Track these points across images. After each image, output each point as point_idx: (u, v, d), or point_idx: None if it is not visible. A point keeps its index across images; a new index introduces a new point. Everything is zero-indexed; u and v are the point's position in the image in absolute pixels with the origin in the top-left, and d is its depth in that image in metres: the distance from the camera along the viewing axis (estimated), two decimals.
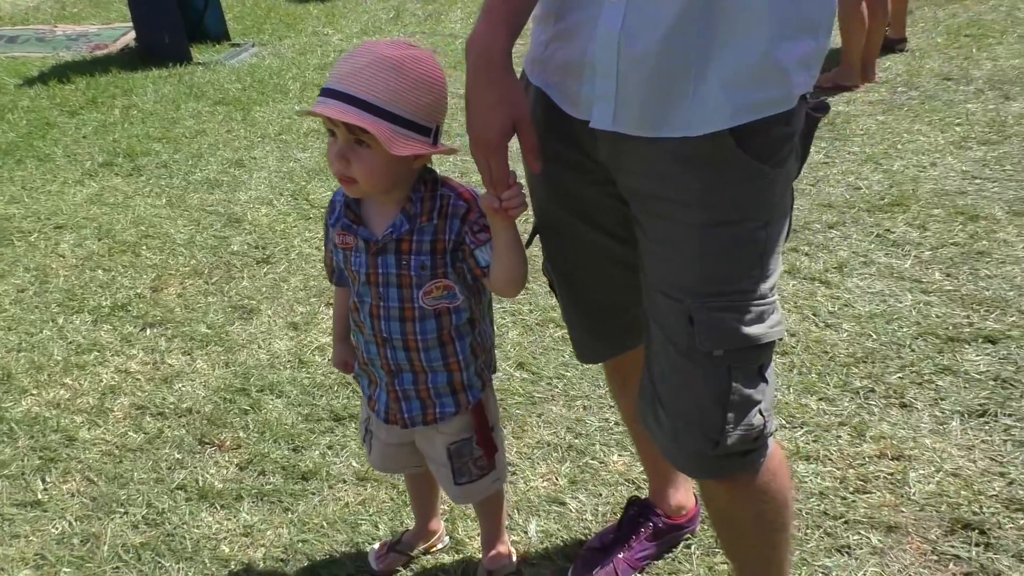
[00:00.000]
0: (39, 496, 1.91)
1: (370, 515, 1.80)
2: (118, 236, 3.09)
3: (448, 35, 5.51)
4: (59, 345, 2.47)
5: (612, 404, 2.01)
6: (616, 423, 1.99)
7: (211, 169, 3.64)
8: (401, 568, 1.66)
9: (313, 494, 1.86)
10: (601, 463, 1.90)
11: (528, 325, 2.42)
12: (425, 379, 1.35)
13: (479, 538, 1.67)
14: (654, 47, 0.98)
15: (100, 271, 2.86)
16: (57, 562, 1.74)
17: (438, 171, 1.30)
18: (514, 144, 1.09)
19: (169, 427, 2.11)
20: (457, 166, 3.38)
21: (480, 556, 1.65)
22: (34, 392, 2.27)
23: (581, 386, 2.15)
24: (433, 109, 1.18)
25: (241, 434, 2.06)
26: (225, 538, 1.77)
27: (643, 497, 1.70)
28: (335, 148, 1.19)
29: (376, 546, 1.69)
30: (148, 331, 2.52)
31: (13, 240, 3.10)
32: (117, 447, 2.05)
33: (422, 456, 1.48)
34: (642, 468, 1.76)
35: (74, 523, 1.83)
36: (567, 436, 1.98)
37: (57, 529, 1.82)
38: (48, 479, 1.96)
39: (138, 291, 2.72)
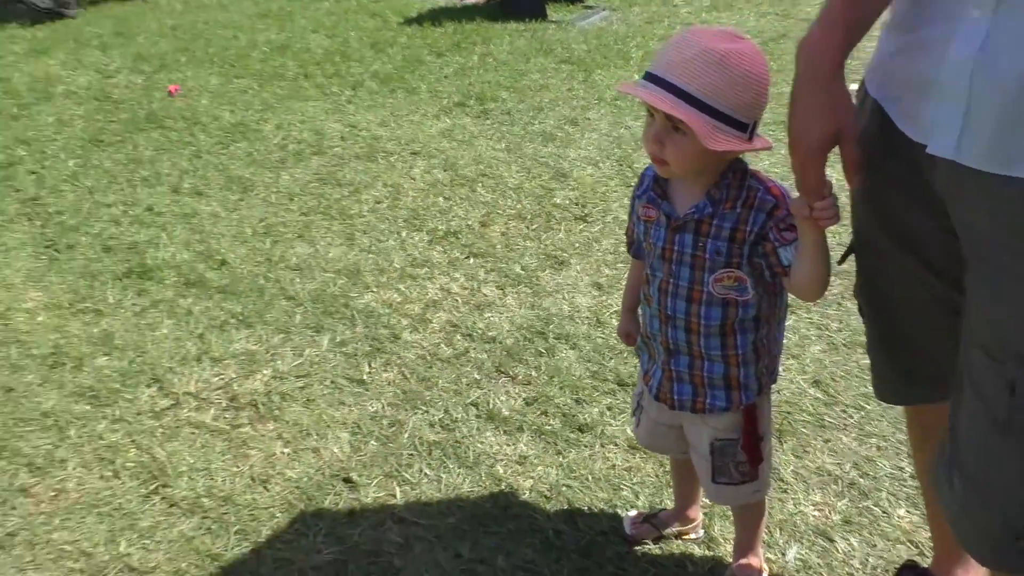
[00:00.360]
0: (364, 377, 2.27)
1: (633, 484, 1.86)
2: (460, 170, 3.46)
3: (802, 19, 5.18)
4: (399, 255, 2.86)
5: (911, 454, 1.83)
6: (911, 476, 1.81)
7: (548, 123, 3.89)
8: (651, 542, 1.70)
9: (585, 447, 1.97)
10: (883, 512, 1.75)
11: (834, 343, 2.27)
12: (701, 365, 1.37)
13: (733, 542, 1.65)
14: (1019, 73, 0.86)
15: (441, 198, 3.24)
16: (368, 435, 2.06)
17: (762, 169, 1.28)
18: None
19: (474, 349, 2.36)
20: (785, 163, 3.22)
21: (731, 560, 1.63)
22: (375, 290, 2.67)
23: (879, 425, 1.97)
24: (752, 106, 1.18)
25: (533, 373, 2.24)
26: (502, 460, 1.95)
27: (924, 566, 1.54)
28: (652, 130, 1.23)
29: (633, 513, 1.75)
30: (471, 260, 2.81)
31: (378, 158, 3.63)
32: (429, 354, 2.35)
33: (688, 443, 1.50)
34: (929, 533, 1.59)
35: (386, 407, 2.15)
36: (851, 472, 1.85)
37: (372, 408, 2.16)
38: (373, 365, 2.32)
39: (468, 222, 3.04)
